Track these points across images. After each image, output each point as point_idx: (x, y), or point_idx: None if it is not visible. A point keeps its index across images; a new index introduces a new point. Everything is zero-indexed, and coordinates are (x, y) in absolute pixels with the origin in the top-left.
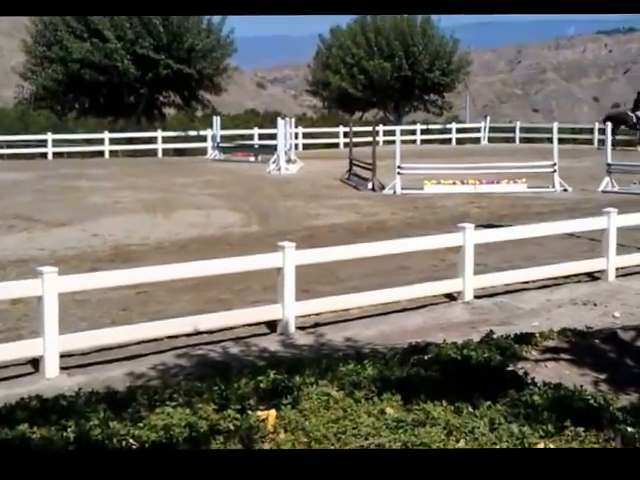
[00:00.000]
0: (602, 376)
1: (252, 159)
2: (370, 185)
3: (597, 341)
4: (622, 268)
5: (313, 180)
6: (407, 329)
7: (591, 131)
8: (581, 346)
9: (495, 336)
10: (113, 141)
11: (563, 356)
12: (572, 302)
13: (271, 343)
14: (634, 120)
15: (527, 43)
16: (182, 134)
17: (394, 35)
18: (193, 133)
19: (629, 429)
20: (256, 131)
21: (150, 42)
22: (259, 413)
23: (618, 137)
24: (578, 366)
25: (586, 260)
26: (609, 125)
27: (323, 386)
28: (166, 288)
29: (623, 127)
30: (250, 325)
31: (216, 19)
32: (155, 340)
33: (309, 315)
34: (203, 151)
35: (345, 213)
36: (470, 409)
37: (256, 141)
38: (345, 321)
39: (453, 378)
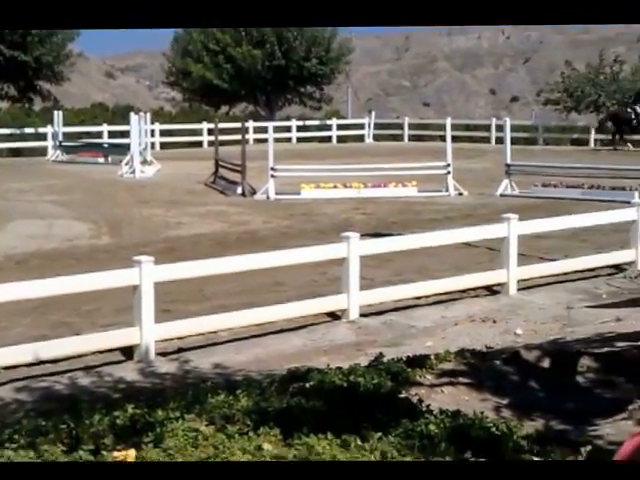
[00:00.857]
0: (504, 401)
1: (101, 160)
2: (239, 190)
3: (498, 362)
4: (524, 280)
5: (173, 184)
6: (285, 353)
7: (488, 128)
8: (481, 368)
9: (385, 359)
10: None
11: (461, 380)
12: (470, 319)
13: (128, 372)
14: (632, 117)
15: (416, 29)
16: (17, 131)
17: None
18: (30, 130)
19: (535, 459)
20: (105, 128)
21: None
22: (116, 454)
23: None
24: (478, 391)
25: (484, 272)
26: (508, 120)
27: (190, 421)
28: (0, 311)
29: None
30: (102, 352)
31: None
32: None
33: (171, 339)
34: (43, 151)
35: (211, 222)
36: (359, 442)
37: (106, 139)
38: (213, 345)
39: (339, 408)
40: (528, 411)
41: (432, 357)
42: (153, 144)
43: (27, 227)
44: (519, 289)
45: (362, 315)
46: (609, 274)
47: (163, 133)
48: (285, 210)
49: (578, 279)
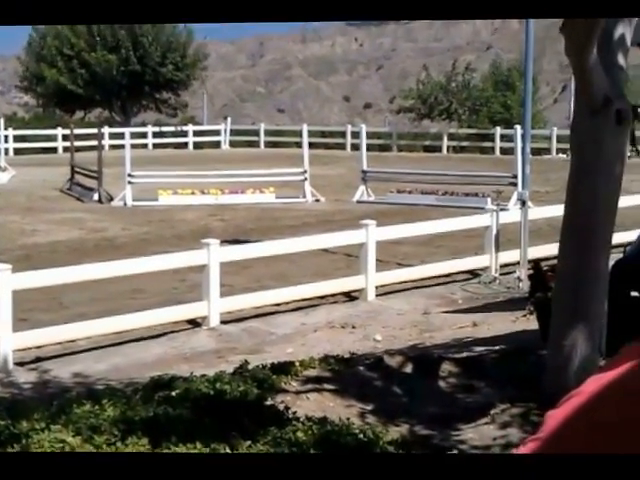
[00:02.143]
0: (369, 407)
1: None
2: (96, 196)
3: (362, 368)
4: (382, 286)
5: (28, 190)
6: (145, 361)
7: (343, 134)
8: (345, 375)
9: (250, 366)
10: None
11: (326, 386)
12: (329, 325)
13: None
14: None
15: (270, 35)
16: None
17: None
18: None
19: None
20: None
21: None
22: None
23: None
24: (343, 397)
25: (343, 278)
26: (363, 127)
27: (56, 432)
28: None
29: None
30: None
31: None
32: None
33: (29, 348)
34: None
35: (67, 229)
36: (228, 450)
37: None
38: (72, 354)
39: (207, 416)
40: (393, 416)
41: (297, 364)
42: (7, 150)
43: None
44: (377, 295)
45: (222, 322)
46: (464, 279)
47: (17, 139)
48: (143, 217)
49: (435, 285)
